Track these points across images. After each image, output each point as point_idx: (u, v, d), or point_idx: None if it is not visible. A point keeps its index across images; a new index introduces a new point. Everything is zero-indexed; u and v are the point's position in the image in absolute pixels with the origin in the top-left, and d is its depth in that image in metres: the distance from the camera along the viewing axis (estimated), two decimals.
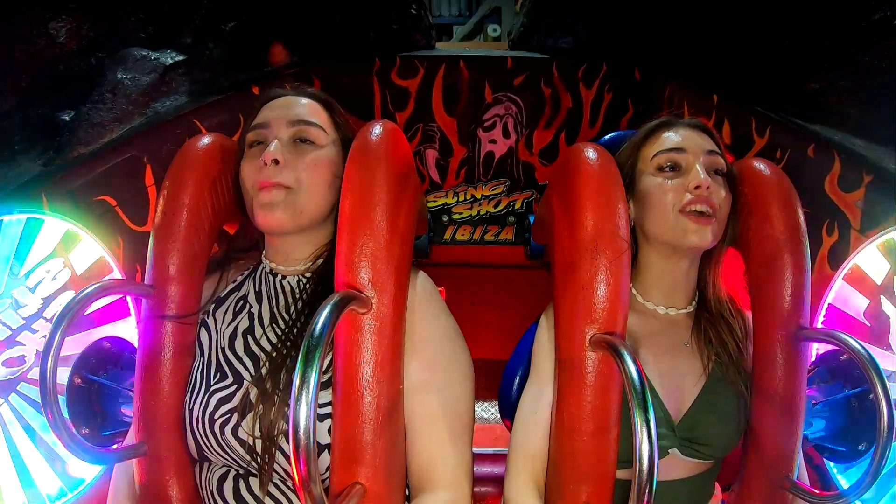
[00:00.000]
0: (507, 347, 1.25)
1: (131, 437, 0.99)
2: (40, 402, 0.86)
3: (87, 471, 1.57)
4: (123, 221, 1.67)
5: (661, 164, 1.04)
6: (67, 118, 1.37)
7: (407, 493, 0.98)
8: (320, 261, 1.03)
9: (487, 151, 2.49)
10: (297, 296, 1.01)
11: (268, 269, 1.05)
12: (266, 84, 1.92)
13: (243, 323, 1.01)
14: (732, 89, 1.75)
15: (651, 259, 1.07)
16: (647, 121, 1.12)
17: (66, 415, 1.43)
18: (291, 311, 1.00)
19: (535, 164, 2.53)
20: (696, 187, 0.99)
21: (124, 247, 1.69)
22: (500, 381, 1.23)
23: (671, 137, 1.05)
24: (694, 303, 1.10)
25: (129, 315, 1.65)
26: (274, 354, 0.94)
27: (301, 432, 0.67)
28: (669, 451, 1.00)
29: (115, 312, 1.62)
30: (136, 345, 1.01)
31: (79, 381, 1.46)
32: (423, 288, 1.00)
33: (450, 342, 1.00)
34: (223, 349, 0.99)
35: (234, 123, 1.80)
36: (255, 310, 1.02)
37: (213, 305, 1.05)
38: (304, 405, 0.67)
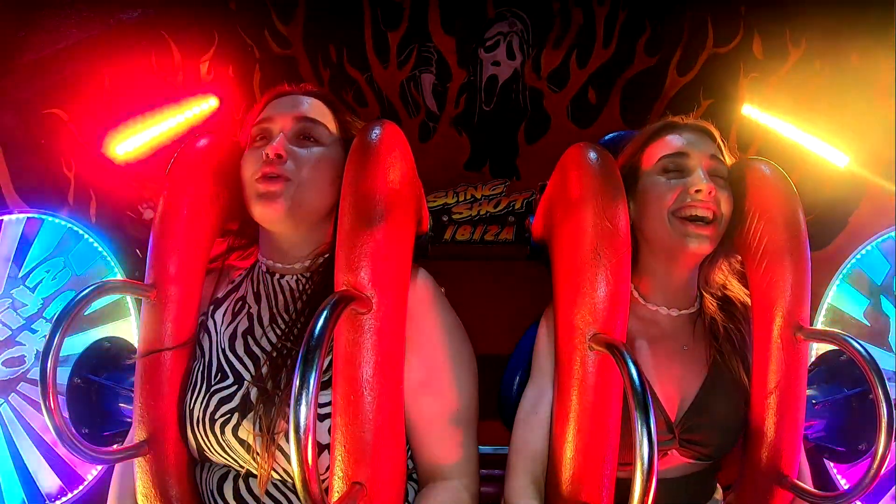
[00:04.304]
0: (509, 342, 1.24)
1: (131, 437, 0.99)
2: (40, 402, 0.86)
3: (87, 471, 1.57)
4: (76, 138, 1.46)
5: (663, 168, 1.04)
6: (22, 35, 1.22)
7: (407, 493, 0.98)
8: (320, 259, 1.03)
9: (490, 75, 2.31)
10: (297, 296, 1.01)
11: (265, 269, 1.05)
12: (244, 1, 1.78)
13: (242, 323, 1.01)
14: None
15: (651, 262, 1.07)
16: (648, 120, 1.12)
17: (66, 415, 1.44)
18: (290, 310, 1.00)
19: (543, 89, 2.33)
20: (697, 191, 0.99)
21: (75, 169, 1.51)
22: (501, 377, 1.23)
23: (675, 141, 1.05)
24: (696, 303, 1.10)
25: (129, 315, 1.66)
26: (274, 354, 0.95)
27: (301, 433, 0.67)
28: (668, 451, 1.00)
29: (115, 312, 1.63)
30: (136, 345, 1.00)
31: (79, 381, 1.47)
32: (423, 285, 1.00)
33: (451, 338, 1.00)
34: (223, 350, 0.99)
35: (208, 38, 1.66)
36: (253, 310, 1.02)
37: (211, 307, 1.05)
38: (304, 406, 0.67)
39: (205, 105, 2.06)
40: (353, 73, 2.47)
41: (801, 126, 2.01)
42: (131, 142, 1.85)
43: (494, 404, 1.23)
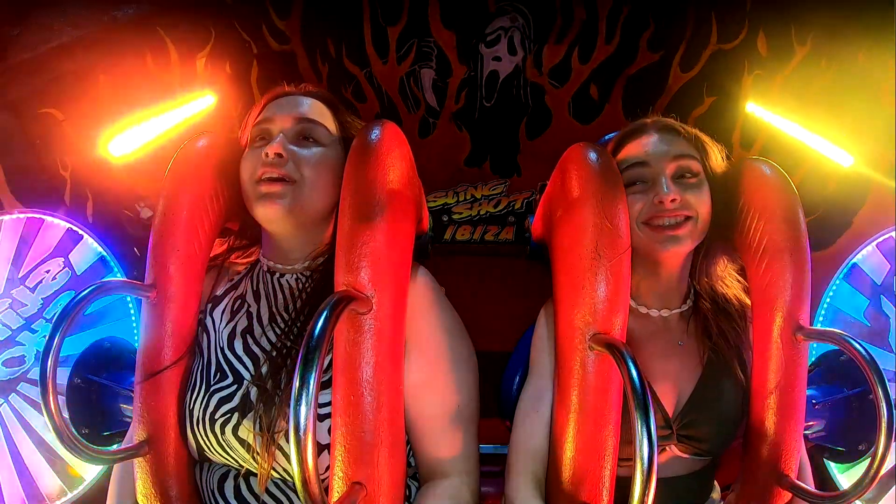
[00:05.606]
0: (510, 339, 1.23)
1: (130, 437, 0.99)
2: (40, 402, 0.86)
3: (87, 471, 1.58)
4: (71, 138, 1.45)
5: (628, 178, 1.03)
6: (16, 33, 1.21)
7: (408, 493, 0.98)
8: (320, 259, 1.03)
9: (491, 71, 2.30)
10: (297, 294, 1.01)
11: (265, 268, 1.05)
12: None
13: (242, 322, 1.01)
14: None
15: (637, 266, 1.06)
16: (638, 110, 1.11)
17: (66, 415, 1.44)
18: (290, 309, 1.00)
19: (544, 85, 2.31)
20: (660, 202, 0.98)
21: (71, 169, 1.50)
22: (502, 374, 1.23)
23: (636, 150, 1.04)
24: (689, 300, 1.10)
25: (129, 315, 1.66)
26: (274, 354, 0.95)
27: (301, 433, 0.67)
28: (667, 448, 1.01)
29: (115, 312, 1.63)
30: (136, 345, 1.00)
31: (79, 381, 1.47)
32: (423, 284, 1.00)
33: (451, 336, 1.01)
34: (222, 349, 0.99)
35: (204, 35, 1.64)
36: (253, 309, 1.02)
37: (210, 305, 1.05)
38: (304, 407, 0.67)
39: (202, 102, 2.04)
40: (352, 68, 2.45)
41: (806, 125, 1.99)
42: (127, 141, 1.83)
43: (494, 402, 1.23)
